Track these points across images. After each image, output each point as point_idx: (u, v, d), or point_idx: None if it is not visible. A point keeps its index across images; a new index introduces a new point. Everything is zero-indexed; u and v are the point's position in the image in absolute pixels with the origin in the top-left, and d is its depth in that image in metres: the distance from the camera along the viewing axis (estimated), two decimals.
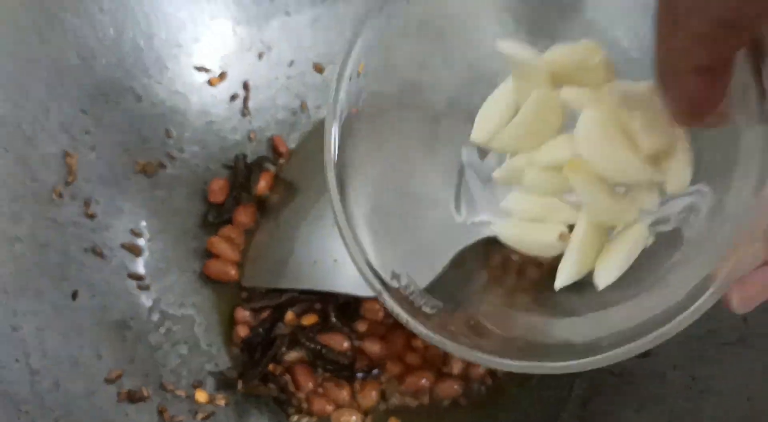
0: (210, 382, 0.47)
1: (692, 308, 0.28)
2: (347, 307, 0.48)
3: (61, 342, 0.43)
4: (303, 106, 0.56)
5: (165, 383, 0.46)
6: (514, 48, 0.32)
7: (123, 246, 0.49)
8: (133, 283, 0.48)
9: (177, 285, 0.50)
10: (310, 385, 0.47)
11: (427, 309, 0.34)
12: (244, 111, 0.55)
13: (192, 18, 0.53)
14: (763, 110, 0.27)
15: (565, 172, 0.31)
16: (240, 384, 0.46)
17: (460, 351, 0.32)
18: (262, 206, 0.53)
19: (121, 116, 0.50)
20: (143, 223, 0.50)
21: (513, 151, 0.34)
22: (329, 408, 0.46)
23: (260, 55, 0.55)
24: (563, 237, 0.32)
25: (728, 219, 0.29)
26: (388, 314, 0.48)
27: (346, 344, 0.47)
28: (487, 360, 0.31)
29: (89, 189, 0.48)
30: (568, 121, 0.32)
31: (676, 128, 0.29)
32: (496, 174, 0.34)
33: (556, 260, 0.33)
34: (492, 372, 0.47)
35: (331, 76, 0.56)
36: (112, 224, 0.48)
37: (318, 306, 0.49)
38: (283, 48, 0.56)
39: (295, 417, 0.46)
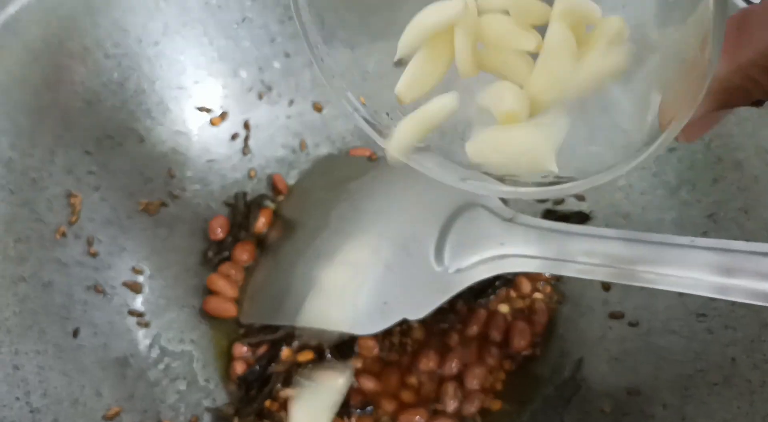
0: (207, 419, 0.48)
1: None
2: (343, 344, 0.49)
3: (62, 380, 0.44)
4: (302, 145, 0.57)
5: (163, 419, 0.47)
6: None
7: (124, 284, 0.50)
8: (133, 320, 0.49)
9: (176, 321, 0.51)
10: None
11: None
12: (245, 150, 0.56)
13: (193, 61, 0.54)
14: None
15: None
16: (236, 421, 0.47)
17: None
18: (261, 243, 0.54)
19: (125, 157, 0.52)
20: (145, 261, 0.51)
21: None
22: None
23: (260, 96, 0.57)
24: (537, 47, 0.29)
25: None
26: (383, 351, 0.50)
27: (341, 380, 0.48)
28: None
29: (92, 228, 0.49)
30: None
31: None
32: None
33: None
34: (484, 411, 0.48)
35: (329, 116, 0.58)
36: (114, 263, 0.50)
37: (313, 342, 0.49)
38: (283, 88, 0.57)
39: None
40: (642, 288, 0.48)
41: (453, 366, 0.48)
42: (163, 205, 0.53)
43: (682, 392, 0.44)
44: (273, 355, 0.49)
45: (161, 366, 0.49)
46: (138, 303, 0.50)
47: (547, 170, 0.29)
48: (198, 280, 0.52)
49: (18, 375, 0.42)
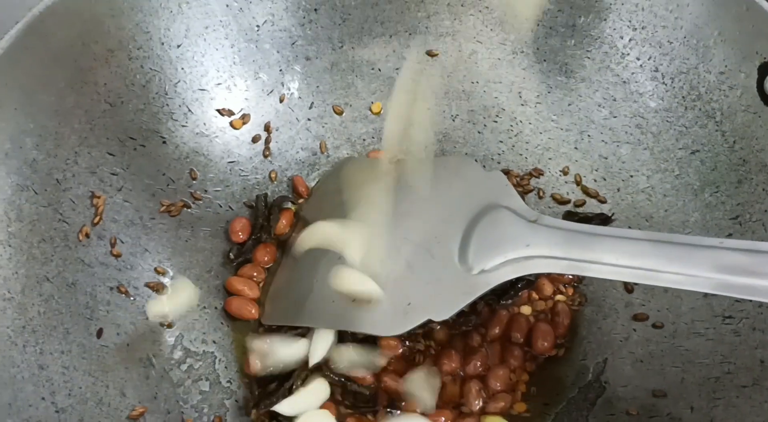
0: (230, 419, 0.48)
1: None
2: (364, 344, 0.49)
3: (86, 380, 0.44)
4: (322, 147, 0.57)
5: (186, 419, 0.47)
6: None
7: (147, 284, 0.50)
8: (156, 321, 0.49)
9: (199, 322, 0.51)
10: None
11: None
12: (266, 152, 0.56)
13: (215, 63, 0.55)
14: None
15: None
16: (253, 414, 0.47)
17: None
18: (282, 245, 0.54)
19: (147, 158, 0.52)
20: (167, 262, 0.51)
21: None
22: None
23: (281, 98, 0.57)
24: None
25: None
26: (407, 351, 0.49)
27: (368, 377, 0.48)
28: None
29: (115, 229, 0.49)
30: None
31: None
32: None
33: None
34: (508, 413, 0.47)
35: (349, 118, 0.58)
36: (137, 263, 0.50)
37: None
38: (304, 91, 0.57)
39: None
40: (666, 290, 0.48)
41: (477, 366, 0.48)
42: (185, 206, 0.53)
43: (709, 395, 0.43)
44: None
45: (184, 367, 0.49)
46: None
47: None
48: (220, 281, 0.52)
49: (43, 375, 0.42)
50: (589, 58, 0.55)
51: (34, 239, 0.45)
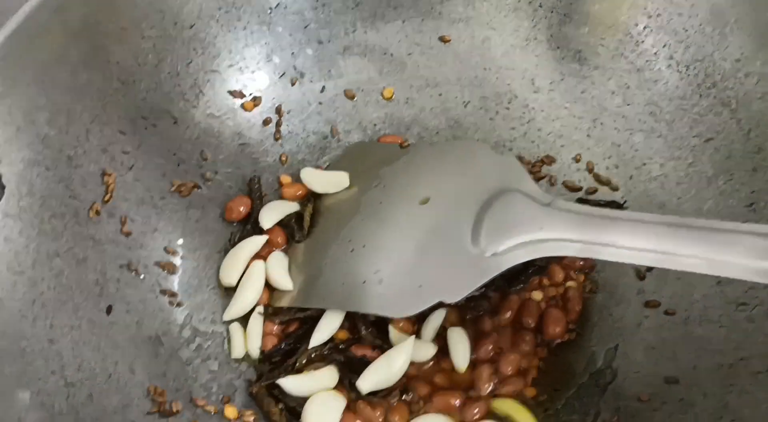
0: (239, 398, 0.47)
1: None
2: (375, 325, 0.49)
3: (96, 356, 0.44)
4: (334, 131, 0.57)
5: (195, 398, 0.46)
6: None
7: (157, 263, 0.50)
8: (165, 300, 0.49)
9: (208, 302, 0.51)
10: None
11: None
12: (277, 135, 0.56)
13: (227, 45, 0.55)
14: None
15: None
16: (255, 387, 0.47)
17: None
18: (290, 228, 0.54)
19: (159, 138, 0.51)
20: (177, 242, 0.51)
21: None
22: None
23: (293, 82, 0.57)
24: None
25: None
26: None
27: (374, 353, 0.48)
28: None
29: (126, 207, 0.49)
30: None
31: None
32: None
33: None
34: (519, 398, 0.47)
35: (360, 103, 0.58)
36: (147, 242, 0.50)
37: (346, 324, 0.49)
38: (316, 75, 0.57)
39: None
40: (678, 278, 0.48)
41: (488, 350, 0.48)
42: (196, 187, 0.53)
43: (723, 381, 0.43)
44: (306, 333, 0.48)
45: (193, 346, 0.49)
46: (170, 283, 0.50)
47: None
48: None
49: (53, 349, 0.42)
50: (603, 45, 0.55)
51: (45, 214, 0.45)
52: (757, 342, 0.43)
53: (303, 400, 0.46)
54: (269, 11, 0.55)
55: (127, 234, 0.49)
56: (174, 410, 0.45)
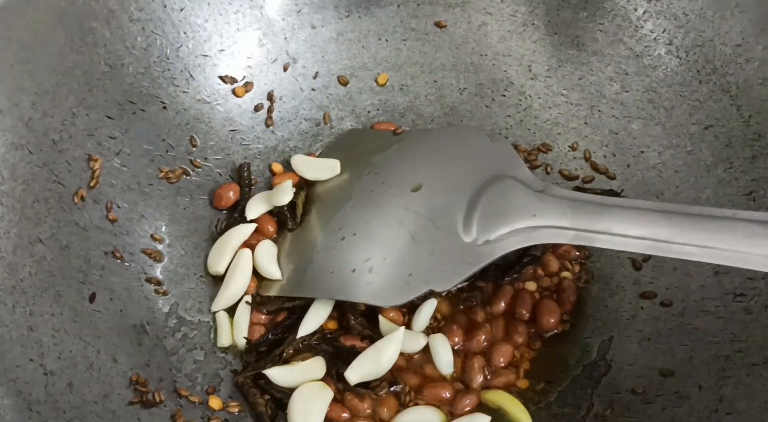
0: (224, 389, 0.46)
1: None
2: (365, 316, 0.48)
3: (77, 344, 0.43)
4: (326, 118, 0.56)
5: (179, 388, 0.45)
6: None
7: (143, 251, 0.49)
8: (151, 288, 0.48)
9: (195, 291, 0.50)
10: None
11: None
12: (268, 121, 0.55)
13: (218, 29, 0.53)
14: None
15: None
16: (240, 377, 0.46)
17: None
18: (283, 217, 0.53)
19: (147, 123, 0.51)
20: (164, 229, 0.50)
21: None
22: (345, 416, 0.45)
23: (285, 67, 0.56)
24: None
25: None
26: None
27: (362, 343, 0.47)
28: None
29: (112, 193, 0.48)
30: None
31: None
32: None
33: None
34: (512, 389, 0.46)
35: (354, 89, 0.57)
36: (133, 229, 0.49)
37: (335, 314, 0.48)
38: (308, 60, 0.56)
39: None
40: (675, 268, 0.47)
41: (481, 341, 0.47)
42: (185, 173, 0.52)
43: (719, 373, 0.42)
44: (291, 324, 0.47)
45: (178, 336, 0.48)
46: (156, 271, 0.49)
47: None
48: None
49: (32, 336, 0.41)
50: (601, 30, 0.53)
51: (28, 199, 0.44)
52: (754, 333, 0.42)
53: (290, 391, 0.45)
54: None
55: (113, 220, 0.48)
56: (157, 400, 0.44)
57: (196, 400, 0.45)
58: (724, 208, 0.46)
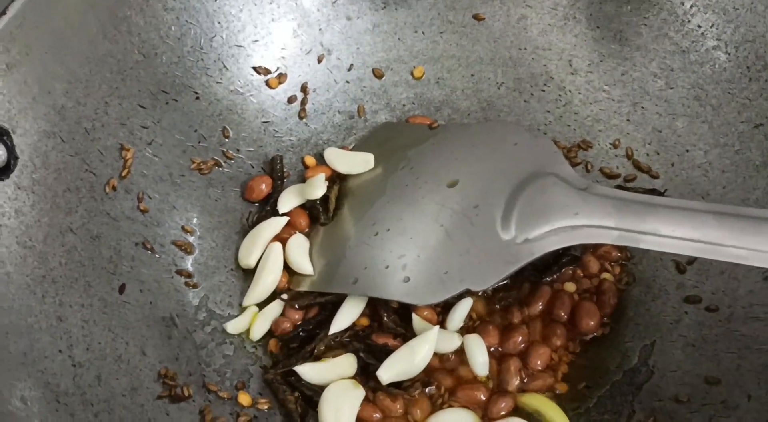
0: (254, 385, 0.46)
1: None
2: (398, 313, 0.47)
3: (106, 336, 0.42)
4: (360, 110, 0.55)
5: (208, 383, 0.45)
6: None
7: (174, 243, 0.48)
8: (181, 280, 0.47)
9: (225, 284, 0.49)
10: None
11: None
12: (301, 113, 0.54)
13: (253, 19, 0.53)
14: None
15: None
16: (271, 373, 0.45)
17: None
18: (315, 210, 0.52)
19: (179, 114, 0.50)
20: (195, 221, 0.49)
21: None
22: (376, 416, 0.44)
23: (320, 59, 0.55)
24: None
25: None
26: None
27: (395, 342, 0.46)
28: None
29: (143, 184, 0.48)
30: None
31: None
32: None
33: None
34: (549, 394, 0.45)
35: (389, 82, 0.55)
36: (164, 220, 0.48)
37: (368, 311, 0.47)
38: (343, 52, 0.55)
39: None
40: (722, 272, 0.45)
41: (517, 343, 0.45)
42: (217, 165, 0.51)
43: None
44: (322, 321, 0.46)
45: (208, 329, 0.47)
46: (187, 263, 0.48)
47: None
48: None
49: (61, 327, 0.41)
50: (646, 25, 0.52)
51: (59, 188, 0.43)
52: None
53: (320, 389, 0.44)
54: None
55: (144, 211, 0.47)
56: (185, 394, 0.43)
57: (225, 396, 0.44)
58: None
